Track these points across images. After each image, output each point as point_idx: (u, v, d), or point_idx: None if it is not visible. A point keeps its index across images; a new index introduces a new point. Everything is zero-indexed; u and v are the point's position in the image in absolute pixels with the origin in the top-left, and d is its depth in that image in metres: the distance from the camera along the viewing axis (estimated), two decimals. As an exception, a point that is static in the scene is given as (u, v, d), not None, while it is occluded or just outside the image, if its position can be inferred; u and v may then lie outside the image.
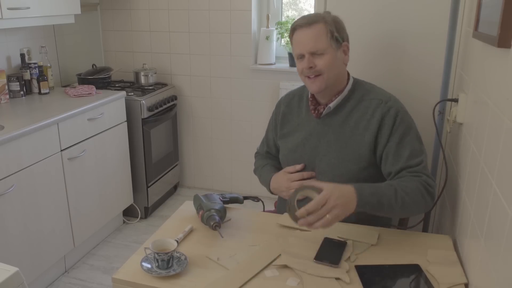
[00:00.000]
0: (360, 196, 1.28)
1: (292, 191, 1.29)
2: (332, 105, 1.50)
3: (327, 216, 1.21)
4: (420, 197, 1.36)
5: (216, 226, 1.35)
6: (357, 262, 1.26)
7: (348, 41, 1.51)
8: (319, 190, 1.24)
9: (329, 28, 1.44)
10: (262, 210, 1.75)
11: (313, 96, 1.56)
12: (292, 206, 1.25)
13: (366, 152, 1.46)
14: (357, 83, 1.55)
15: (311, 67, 1.44)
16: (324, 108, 1.51)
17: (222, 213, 1.42)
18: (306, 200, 1.25)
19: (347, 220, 1.48)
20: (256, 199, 1.69)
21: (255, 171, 1.77)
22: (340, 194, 1.24)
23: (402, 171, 1.41)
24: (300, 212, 1.22)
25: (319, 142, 1.53)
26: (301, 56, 1.47)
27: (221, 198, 1.52)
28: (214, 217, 1.37)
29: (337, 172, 1.48)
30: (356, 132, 1.47)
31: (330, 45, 1.44)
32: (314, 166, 1.54)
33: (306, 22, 1.45)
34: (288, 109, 1.64)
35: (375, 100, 1.48)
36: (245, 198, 1.65)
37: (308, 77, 1.47)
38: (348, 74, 1.55)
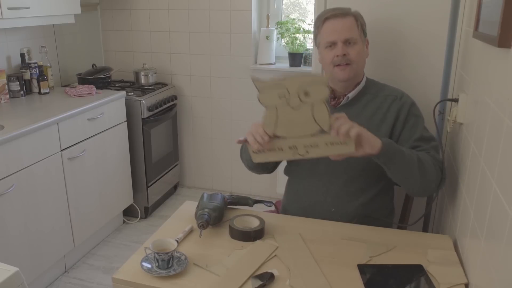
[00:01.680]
0: (385, 139, 1.35)
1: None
2: (350, 95, 1.56)
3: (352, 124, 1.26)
4: (432, 165, 1.42)
5: (201, 226, 1.34)
6: (359, 261, 1.26)
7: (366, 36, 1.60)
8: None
9: (359, 21, 1.53)
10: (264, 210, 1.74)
11: (332, 87, 1.58)
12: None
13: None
14: (369, 80, 1.63)
15: (344, 55, 1.49)
16: (342, 98, 1.57)
17: (217, 213, 1.40)
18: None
19: (347, 220, 1.49)
20: (269, 203, 1.61)
21: (240, 154, 1.68)
22: (363, 129, 1.30)
23: (413, 148, 1.48)
24: (332, 118, 1.28)
25: None
26: (332, 45, 1.51)
27: (225, 199, 1.50)
28: (203, 216, 1.37)
29: (352, 159, 1.41)
30: (371, 123, 1.52)
31: (360, 37, 1.53)
32: (330, 160, 1.47)
33: (339, 12, 1.52)
34: None
35: (390, 97, 1.56)
36: (257, 201, 1.58)
37: (338, 65, 1.51)
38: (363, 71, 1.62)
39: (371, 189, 1.55)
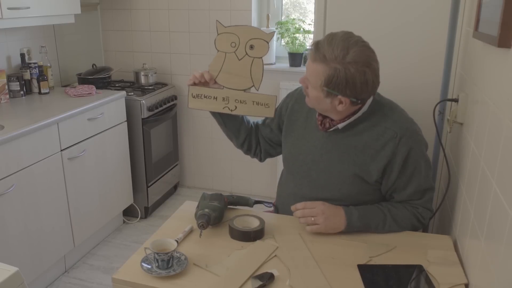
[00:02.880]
0: (349, 218, 1.38)
1: None
2: (340, 126, 1.40)
3: (312, 218, 1.37)
4: (408, 225, 1.43)
5: (201, 226, 1.34)
6: (359, 261, 1.26)
7: (356, 95, 1.30)
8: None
9: (327, 74, 1.27)
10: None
11: None
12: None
13: (368, 179, 1.41)
14: (377, 104, 1.41)
15: (306, 88, 1.38)
16: (329, 124, 1.42)
17: (217, 213, 1.40)
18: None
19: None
20: (269, 204, 1.62)
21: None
22: (329, 209, 1.38)
23: (402, 202, 1.45)
24: (295, 206, 1.41)
25: (321, 157, 1.46)
26: None
27: (225, 199, 1.50)
28: (203, 216, 1.37)
29: (335, 189, 1.45)
30: (361, 157, 1.39)
31: (320, 88, 1.31)
32: (312, 178, 1.48)
33: (315, 52, 1.30)
34: (298, 106, 1.56)
35: (390, 131, 1.36)
36: (257, 202, 1.59)
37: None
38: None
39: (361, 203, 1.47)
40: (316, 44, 1.31)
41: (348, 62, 1.25)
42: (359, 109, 1.38)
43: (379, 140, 1.37)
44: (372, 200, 1.45)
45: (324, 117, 1.44)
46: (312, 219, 1.37)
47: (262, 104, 1.52)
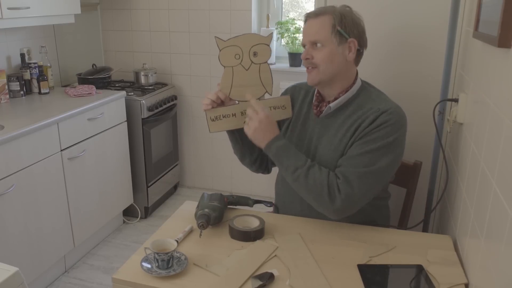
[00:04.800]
0: (271, 143, 1.40)
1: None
2: (332, 105, 1.44)
3: (247, 119, 1.42)
4: (317, 190, 1.33)
5: (201, 226, 1.34)
6: (359, 261, 1.26)
7: (360, 38, 1.43)
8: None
9: (337, 21, 1.39)
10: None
11: (319, 91, 1.52)
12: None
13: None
14: (364, 88, 1.47)
15: (307, 59, 1.42)
16: (325, 107, 1.46)
17: (217, 213, 1.40)
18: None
19: (347, 220, 1.49)
20: (269, 204, 1.62)
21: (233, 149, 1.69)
22: (265, 124, 1.40)
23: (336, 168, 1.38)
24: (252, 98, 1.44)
25: (313, 144, 1.48)
26: (304, 46, 1.45)
27: (225, 199, 1.50)
28: (203, 216, 1.37)
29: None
30: (344, 140, 1.41)
31: (331, 38, 1.39)
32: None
33: (314, 13, 1.43)
34: (292, 101, 1.58)
35: (374, 109, 1.38)
36: (257, 201, 1.60)
37: (307, 68, 1.45)
38: (357, 75, 1.48)
39: None
40: (309, 13, 1.44)
41: (342, 6, 1.44)
42: (350, 87, 1.44)
43: (362, 117, 1.39)
44: None
45: (320, 101, 1.51)
46: (248, 120, 1.43)
47: (279, 107, 1.52)
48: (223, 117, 1.48)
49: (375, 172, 1.33)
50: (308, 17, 1.44)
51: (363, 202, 1.36)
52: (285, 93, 1.64)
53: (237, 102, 1.50)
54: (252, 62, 1.46)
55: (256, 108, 1.42)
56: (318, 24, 1.40)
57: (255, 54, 1.46)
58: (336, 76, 1.43)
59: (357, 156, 1.35)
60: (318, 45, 1.40)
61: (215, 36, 1.48)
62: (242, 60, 1.46)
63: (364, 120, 1.38)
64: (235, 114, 1.49)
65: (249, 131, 1.43)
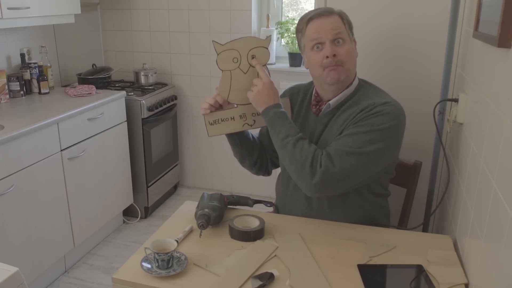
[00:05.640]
0: (269, 108, 1.41)
1: None
2: (332, 102, 1.45)
3: (252, 88, 1.44)
4: (301, 160, 1.32)
5: (201, 226, 1.34)
6: (359, 261, 1.26)
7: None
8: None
9: (345, 19, 1.44)
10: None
11: (317, 92, 1.53)
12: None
13: None
14: (362, 86, 1.49)
15: (334, 55, 1.38)
16: (324, 105, 1.47)
17: (217, 213, 1.40)
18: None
19: (347, 220, 1.49)
20: (269, 204, 1.62)
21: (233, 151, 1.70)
22: (268, 90, 1.42)
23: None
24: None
25: (313, 143, 1.47)
26: (319, 45, 1.40)
27: (225, 199, 1.50)
28: (203, 216, 1.37)
29: None
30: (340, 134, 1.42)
31: (348, 35, 1.43)
32: None
33: (323, 11, 1.43)
34: (291, 102, 1.60)
35: (369, 103, 1.40)
36: (257, 201, 1.60)
37: (327, 67, 1.40)
38: (355, 73, 1.50)
39: (356, 198, 1.48)
40: (318, 12, 1.44)
41: (334, 9, 1.47)
42: (350, 85, 1.46)
43: (357, 110, 1.40)
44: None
45: (319, 100, 1.51)
46: (253, 87, 1.44)
47: None
48: (222, 120, 1.49)
49: (359, 154, 1.32)
50: (319, 15, 1.42)
51: (343, 185, 1.34)
52: (283, 95, 1.65)
53: (235, 105, 1.49)
54: (250, 65, 1.46)
55: (261, 75, 1.44)
56: (335, 21, 1.41)
57: (253, 57, 1.45)
58: (351, 73, 1.46)
59: (344, 136, 1.37)
60: (340, 41, 1.40)
61: (213, 41, 1.46)
62: (240, 64, 1.46)
63: (358, 112, 1.39)
64: (233, 118, 1.49)
65: (251, 94, 1.43)
